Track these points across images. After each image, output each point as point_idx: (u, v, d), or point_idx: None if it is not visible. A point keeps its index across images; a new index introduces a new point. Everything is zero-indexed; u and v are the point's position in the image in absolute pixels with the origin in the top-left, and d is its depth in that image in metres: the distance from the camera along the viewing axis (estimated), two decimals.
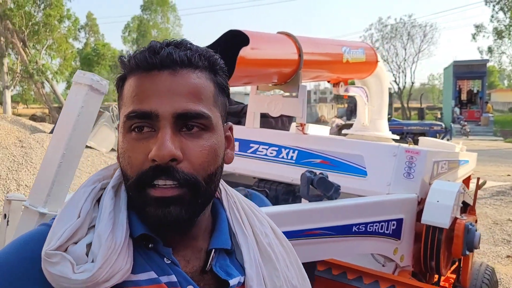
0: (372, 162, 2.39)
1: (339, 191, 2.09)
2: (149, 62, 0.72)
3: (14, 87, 27.07)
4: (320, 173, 2.06)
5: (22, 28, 23.96)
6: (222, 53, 2.42)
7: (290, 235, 1.91)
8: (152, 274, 0.71)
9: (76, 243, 0.69)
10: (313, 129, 3.75)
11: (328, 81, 3.21)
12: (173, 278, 0.72)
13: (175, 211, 0.70)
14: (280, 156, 2.61)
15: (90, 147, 7.43)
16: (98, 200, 0.76)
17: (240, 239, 0.82)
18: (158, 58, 0.71)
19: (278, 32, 2.67)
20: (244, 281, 0.79)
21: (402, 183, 2.31)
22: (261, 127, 2.89)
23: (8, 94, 24.89)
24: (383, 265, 2.36)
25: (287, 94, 2.71)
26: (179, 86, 0.72)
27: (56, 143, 1.46)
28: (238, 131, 2.81)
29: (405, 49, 39.39)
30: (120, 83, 0.78)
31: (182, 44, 0.75)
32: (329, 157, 2.49)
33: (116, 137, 7.35)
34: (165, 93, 0.71)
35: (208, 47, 2.37)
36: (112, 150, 7.39)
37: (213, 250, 0.79)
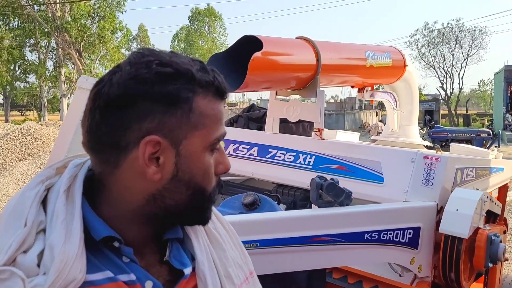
0: (389, 168, 2.32)
1: (351, 197, 2.04)
2: (225, 90, 0.81)
3: (70, 96, 28.52)
4: (330, 179, 2.03)
5: (78, 39, 25.23)
6: (238, 58, 2.45)
7: (296, 241, 1.89)
8: (108, 273, 0.72)
9: (25, 252, 0.67)
10: (342, 136, 3.70)
11: (352, 86, 3.16)
12: (132, 276, 0.73)
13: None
14: (298, 161, 2.59)
15: None
16: (43, 202, 0.74)
17: (187, 227, 0.86)
18: (227, 88, 0.82)
19: (297, 37, 2.67)
20: (194, 268, 0.82)
21: (420, 191, 2.22)
22: (282, 132, 2.89)
23: (65, 102, 26.23)
24: (400, 275, 2.28)
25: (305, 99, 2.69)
26: None
27: (59, 146, 1.53)
28: (258, 136, 2.82)
29: (453, 55, 38.09)
30: (175, 99, 0.74)
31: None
32: (346, 163, 2.44)
33: None
34: None
35: (225, 52, 2.40)
36: None
37: (169, 241, 0.81)
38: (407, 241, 2.12)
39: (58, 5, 24.79)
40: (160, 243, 0.81)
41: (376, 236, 2.03)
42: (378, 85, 3.63)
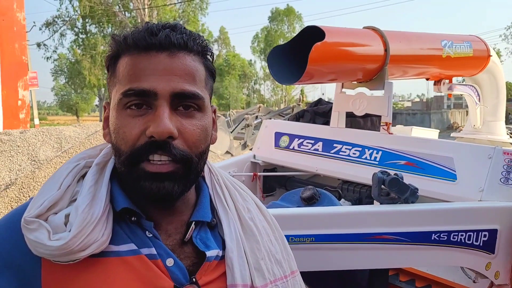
0: (463, 165, 2.13)
1: (417, 194, 1.91)
2: (148, 42, 0.74)
3: None
4: (394, 174, 1.91)
5: None
6: (301, 49, 2.40)
7: (355, 237, 1.81)
8: (132, 246, 0.74)
9: (56, 213, 0.73)
10: (418, 133, 3.50)
11: (427, 79, 2.96)
12: (153, 250, 0.75)
13: (169, 186, 0.74)
14: (363, 157, 2.48)
15: None
16: (84, 177, 0.79)
17: (221, 214, 0.85)
18: (156, 39, 0.74)
19: (364, 27, 2.55)
20: (224, 254, 0.80)
21: (498, 190, 2.01)
22: (349, 127, 2.79)
23: None
24: (474, 281, 2.08)
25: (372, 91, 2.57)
26: (177, 67, 0.75)
27: None
28: (322, 131, 2.74)
29: None
30: (111, 61, 0.79)
31: (177, 28, 0.78)
32: (415, 159, 2.29)
33: (231, 140, 7.70)
34: (163, 73, 0.74)
35: (288, 44, 2.37)
36: (227, 152, 7.76)
37: (193, 222, 0.81)
38: (481, 244, 1.94)
39: (146, 10, 26.29)
40: (188, 226, 0.81)
41: (445, 237, 1.88)
42: (459, 78, 3.36)
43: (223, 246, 0.82)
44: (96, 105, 47.88)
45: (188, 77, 0.75)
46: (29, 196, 6.37)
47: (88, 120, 44.57)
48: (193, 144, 0.75)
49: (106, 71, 0.83)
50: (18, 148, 7.39)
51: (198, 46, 0.78)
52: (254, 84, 51.61)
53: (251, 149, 8.30)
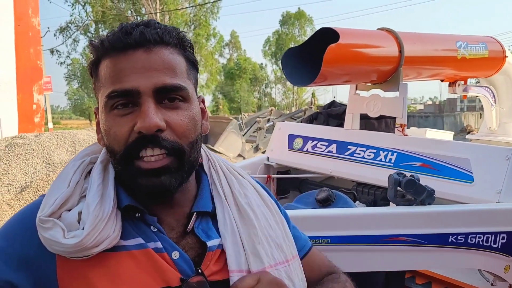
0: (480, 166, 2.11)
1: (434, 195, 1.89)
2: (124, 42, 0.75)
3: None
4: (410, 175, 1.90)
5: None
6: (314, 51, 2.39)
7: (371, 239, 1.80)
8: (140, 240, 0.77)
9: (69, 210, 0.76)
10: (433, 135, 3.47)
11: (442, 80, 2.94)
12: (159, 244, 0.77)
13: (166, 180, 0.75)
14: (378, 158, 2.47)
15: (219, 152, 7.96)
16: (89, 173, 0.82)
17: (216, 200, 0.86)
18: (131, 38, 0.75)
19: (378, 29, 2.55)
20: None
21: None
22: (363, 129, 2.78)
23: None
24: (492, 284, 2.06)
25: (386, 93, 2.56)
26: (155, 62, 0.75)
27: None
28: (336, 133, 2.74)
29: None
30: (93, 67, 0.81)
31: (151, 24, 0.78)
32: (431, 160, 2.27)
33: (243, 143, 7.72)
34: (142, 70, 0.74)
35: (301, 46, 2.37)
36: (239, 155, 7.77)
37: (194, 213, 0.82)
38: (499, 247, 1.91)
39: (158, 15, 26.52)
40: (190, 217, 0.83)
41: (463, 239, 1.86)
42: (476, 79, 3.34)
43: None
44: None
45: (168, 70, 0.76)
46: None
47: None
48: (182, 134, 0.76)
49: (90, 77, 0.84)
50: (33, 152, 7.48)
51: (174, 39, 0.79)
52: (265, 87, 51.70)
53: (263, 152, 8.31)
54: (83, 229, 0.72)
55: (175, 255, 0.77)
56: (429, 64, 2.69)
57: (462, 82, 3.00)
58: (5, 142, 7.63)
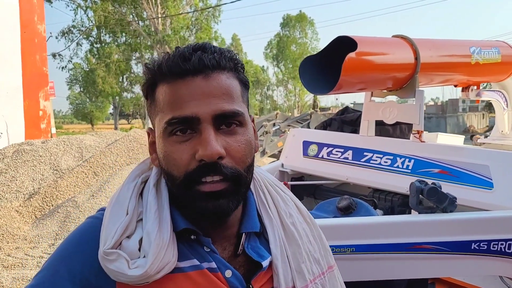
0: (500, 172, 2.12)
1: (455, 203, 1.90)
2: (183, 68, 0.76)
3: None
4: (432, 183, 1.91)
5: None
6: (332, 60, 2.40)
7: (396, 247, 1.81)
8: (195, 262, 0.79)
9: (128, 237, 0.77)
10: (444, 139, 3.47)
11: (456, 85, 2.95)
12: (213, 264, 0.79)
13: (224, 203, 0.77)
14: (395, 165, 2.48)
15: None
16: (141, 193, 0.83)
17: (265, 221, 0.88)
18: (190, 64, 0.76)
19: (393, 36, 2.56)
20: (271, 260, 0.85)
21: None
22: (378, 135, 2.79)
23: None
24: None
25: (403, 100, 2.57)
26: (214, 88, 0.77)
27: None
28: (352, 140, 2.75)
29: None
30: (149, 90, 0.82)
31: (207, 48, 0.79)
32: (449, 167, 2.28)
33: None
34: (201, 97, 0.76)
35: (318, 54, 2.38)
36: None
37: (244, 233, 0.84)
38: None
39: (160, 19, 26.59)
40: (239, 237, 0.85)
41: (485, 246, 1.87)
42: (485, 84, 3.35)
43: (268, 251, 0.86)
44: (111, 113, 48.38)
45: (226, 96, 0.77)
46: (52, 206, 6.45)
47: (102, 128, 45.02)
48: (240, 160, 0.78)
49: (145, 99, 0.86)
50: (40, 158, 7.50)
51: (230, 62, 0.80)
52: (267, 90, 51.71)
53: (269, 156, 8.29)
54: (144, 256, 0.74)
55: (228, 273, 0.80)
56: (444, 70, 2.71)
57: (475, 87, 3.01)
58: (12, 149, 7.65)
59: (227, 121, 0.77)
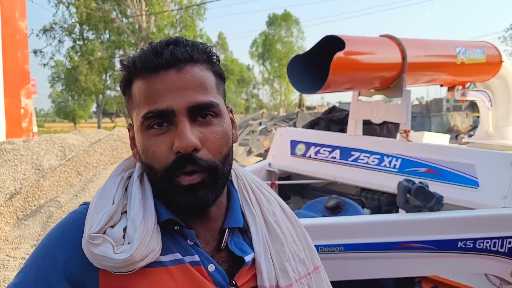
0: (485, 171, 2.14)
1: (442, 202, 1.92)
2: (156, 63, 0.77)
3: None
4: (419, 182, 1.92)
5: None
6: (319, 59, 2.40)
7: (384, 246, 1.81)
8: (177, 255, 0.79)
9: (112, 227, 0.77)
10: (430, 138, 3.50)
11: (441, 85, 2.98)
12: (196, 258, 0.79)
13: (204, 194, 0.78)
14: (382, 164, 2.49)
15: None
16: (126, 188, 0.84)
17: (248, 218, 0.88)
18: (163, 58, 0.77)
19: (381, 35, 2.57)
20: (254, 257, 0.85)
21: None
22: (365, 134, 2.80)
23: None
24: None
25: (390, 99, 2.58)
26: (187, 81, 0.78)
27: None
28: (339, 139, 2.75)
29: None
30: (126, 86, 0.84)
31: (180, 42, 0.80)
32: (435, 166, 2.30)
33: (236, 147, 7.69)
34: (175, 90, 0.77)
35: (306, 54, 2.37)
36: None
37: (227, 229, 0.85)
38: (506, 251, 1.95)
39: (144, 16, 26.34)
40: (222, 232, 0.85)
41: (471, 244, 1.89)
42: (470, 83, 3.39)
43: (251, 249, 0.86)
44: (94, 111, 47.77)
45: (200, 88, 0.78)
46: (34, 206, 6.33)
47: (85, 127, 44.46)
48: (216, 151, 0.79)
49: (122, 95, 0.87)
50: (22, 157, 7.36)
51: (203, 55, 0.81)
52: (253, 88, 51.69)
53: (256, 156, 8.29)
54: (128, 243, 0.75)
55: (211, 268, 0.80)
56: (431, 70, 2.73)
57: (461, 87, 3.04)
58: None
59: (202, 113, 0.78)
